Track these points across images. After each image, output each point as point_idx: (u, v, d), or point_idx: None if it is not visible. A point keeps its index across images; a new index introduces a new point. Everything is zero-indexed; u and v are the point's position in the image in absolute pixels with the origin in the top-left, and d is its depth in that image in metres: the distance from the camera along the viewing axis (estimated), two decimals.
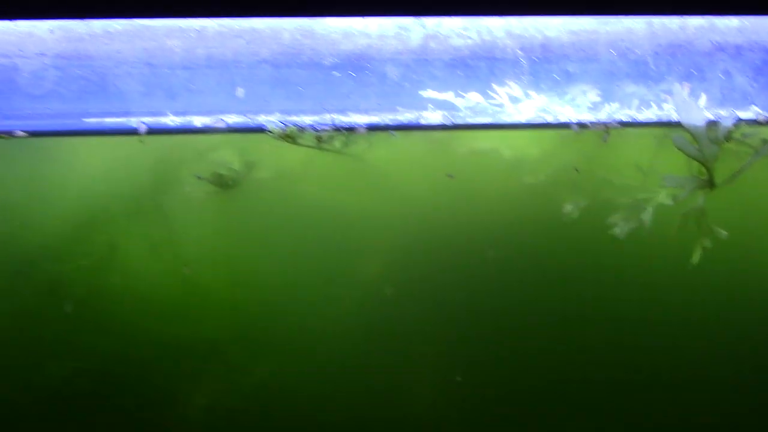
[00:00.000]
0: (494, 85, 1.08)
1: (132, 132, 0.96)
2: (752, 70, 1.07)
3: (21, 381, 1.07)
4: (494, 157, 1.11)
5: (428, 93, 1.06)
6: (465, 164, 1.11)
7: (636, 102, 1.05)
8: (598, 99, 1.10)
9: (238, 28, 0.96)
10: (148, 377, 1.07)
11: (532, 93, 1.08)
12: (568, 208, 1.11)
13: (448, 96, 1.05)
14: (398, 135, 1.02)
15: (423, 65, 1.00)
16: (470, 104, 1.08)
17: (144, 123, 0.95)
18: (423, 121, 1.05)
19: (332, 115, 1.00)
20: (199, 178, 1.00)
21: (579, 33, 1.02)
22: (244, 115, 0.99)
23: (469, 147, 1.11)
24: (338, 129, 0.99)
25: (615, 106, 1.07)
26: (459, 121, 1.06)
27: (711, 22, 1.04)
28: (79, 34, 0.94)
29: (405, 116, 1.02)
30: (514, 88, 1.09)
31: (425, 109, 1.03)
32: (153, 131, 0.97)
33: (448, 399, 1.11)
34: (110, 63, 0.95)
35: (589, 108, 1.09)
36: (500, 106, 1.09)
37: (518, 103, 1.10)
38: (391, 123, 1.02)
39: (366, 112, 1.00)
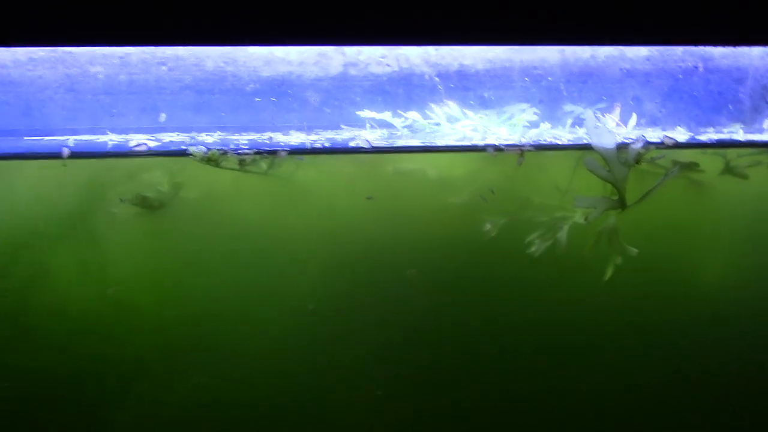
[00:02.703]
0: (432, 105, 1.12)
1: (56, 155, 0.98)
2: (660, 96, 1.12)
3: None
4: (419, 177, 1.15)
5: (365, 113, 1.09)
6: (391, 184, 1.14)
7: (548, 125, 1.10)
8: (535, 117, 1.14)
9: (161, 55, 0.98)
10: (74, 396, 1.08)
11: (468, 112, 1.13)
12: (488, 226, 1.15)
13: (386, 116, 1.09)
14: (306, 159, 1.05)
15: (343, 91, 1.03)
16: (407, 123, 1.11)
17: (66, 147, 0.97)
18: (351, 143, 1.08)
19: (254, 138, 1.03)
20: (122, 200, 1.02)
21: (494, 61, 1.06)
22: (167, 140, 1.01)
23: (395, 167, 1.15)
24: (260, 152, 1.02)
25: (542, 127, 1.12)
26: (385, 143, 1.09)
27: (620, 51, 1.10)
28: (2, 61, 0.96)
29: (325, 137, 1.05)
30: (452, 108, 1.14)
31: (348, 130, 1.06)
32: (77, 155, 0.99)
33: (368, 412, 1.15)
34: (33, 89, 0.97)
35: (525, 127, 1.13)
36: (437, 125, 1.13)
37: (455, 122, 1.14)
38: (314, 145, 1.05)
39: (287, 135, 1.04)
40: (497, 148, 1.08)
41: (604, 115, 1.17)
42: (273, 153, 1.03)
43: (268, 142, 1.04)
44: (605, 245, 1.14)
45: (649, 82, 1.11)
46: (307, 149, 1.05)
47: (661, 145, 1.12)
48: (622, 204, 1.12)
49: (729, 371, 1.25)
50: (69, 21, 0.90)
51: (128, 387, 1.08)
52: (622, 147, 1.09)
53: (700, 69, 1.12)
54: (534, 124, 1.13)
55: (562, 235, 1.14)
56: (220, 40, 0.96)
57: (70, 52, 0.96)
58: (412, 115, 1.10)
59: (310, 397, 1.13)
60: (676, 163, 1.17)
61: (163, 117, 1.00)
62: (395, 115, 1.07)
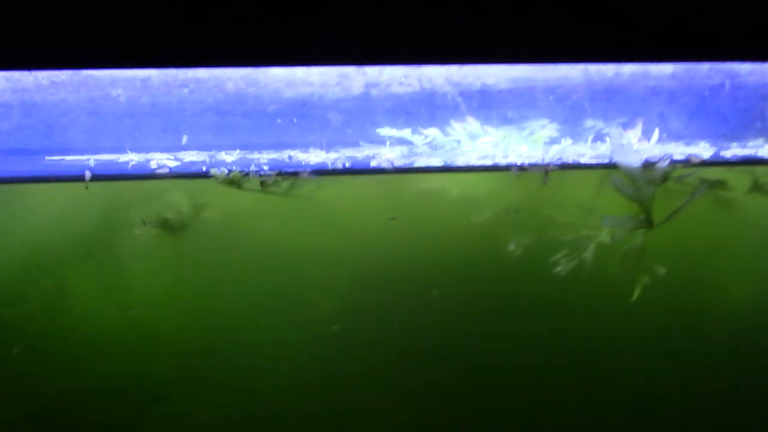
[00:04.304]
0: (452, 121, 1.11)
1: (78, 178, 0.98)
2: (686, 113, 1.10)
3: None
4: (442, 196, 1.14)
5: (385, 130, 1.09)
6: (413, 203, 1.13)
7: (569, 141, 1.08)
8: (556, 134, 1.13)
9: (182, 78, 0.98)
10: (96, 419, 1.07)
11: (489, 129, 1.12)
12: (512, 246, 1.13)
13: (406, 133, 1.08)
14: (320, 179, 1.05)
15: (365, 111, 1.03)
16: (428, 140, 1.11)
17: (89, 170, 0.97)
18: (372, 162, 1.08)
19: (275, 158, 1.03)
20: (144, 223, 1.02)
21: (517, 80, 1.05)
22: (190, 161, 1.01)
23: (417, 186, 1.14)
24: (281, 173, 1.01)
25: (563, 143, 1.10)
26: (410, 162, 1.08)
27: (645, 69, 1.08)
28: (25, 85, 0.96)
29: (349, 155, 1.05)
30: (472, 124, 1.13)
31: (367, 147, 1.06)
32: (100, 177, 0.98)
33: None
34: (56, 112, 0.97)
35: (546, 143, 1.12)
36: (458, 141, 1.12)
37: (476, 139, 1.13)
38: (335, 165, 1.05)
39: (307, 152, 1.03)
40: (521, 168, 1.07)
41: (625, 130, 1.15)
42: (294, 174, 1.02)
43: (288, 160, 1.03)
44: (632, 265, 1.11)
45: (674, 100, 1.09)
46: (329, 170, 1.04)
47: (687, 163, 1.10)
48: (649, 223, 1.09)
49: (759, 392, 1.22)
50: (91, 44, 0.90)
51: (150, 409, 1.07)
52: (648, 165, 1.07)
53: (727, 86, 1.10)
54: (555, 140, 1.11)
55: (588, 254, 1.12)
56: (241, 61, 0.96)
57: (92, 76, 0.96)
58: (432, 132, 1.09)
59: (334, 419, 1.11)
60: (703, 181, 1.14)
61: (185, 139, 1.00)
62: (415, 132, 1.06)
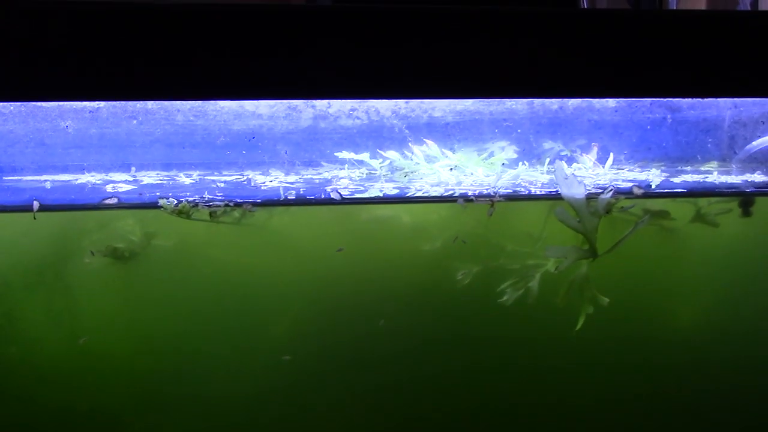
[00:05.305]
0: (410, 144, 1.13)
1: (26, 209, 0.99)
2: (629, 147, 1.14)
3: None
4: (394, 224, 1.16)
5: (344, 154, 1.11)
6: (365, 231, 1.15)
7: (526, 165, 1.11)
8: (514, 156, 1.16)
9: (131, 109, 0.99)
10: None
11: (447, 152, 1.14)
12: (461, 275, 1.16)
13: (364, 156, 1.10)
14: (257, 210, 1.06)
15: (314, 143, 1.04)
16: (385, 163, 1.12)
17: (37, 200, 0.98)
18: (327, 188, 1.09)
19: (225, 182, 1.04)
20: (93, 253, 1.02)
21: (463, 113, 1.07)
22: (138, 185, 1.02)
23: (369, 214, 1.16)
24: (229, 204, 1.02)
25: (520, 167, 1.13)
26: (367, 187, 1.10)
27: (588, 102, 1.11)
28: None
29: (308, 178, 1.06)
30: (431, 148, 1.15)
31: (327, 169, 1.08)
32: (48, 207, 0.99)
33: None
34: (3, 143, 0.98)
35: (504, 166, 1.14)
36: (416, 164, 1.14)
37: (434, 162, 1.15)
38: (287, 196, 1.06)
39: (266, 175, 1.05)
40: (467, 199, 1.09)
41: (582, 155, 1.18)
42: (240, 205, 1.03)
43: (245, 182, 1.04)
44: (577, 294, 1.14)
45: (617, 133, 1.12)
46: (280, 201, 1.05)
47: (630, 195, 1.13)
48: (593, 253, 1.12)
49: (701, 418, 1.25)
50: (38, 76, 0.91)
51: None
52: (592, 197, 1.10)
53: (669, 120, 1.14)
54: (513, 163, 1.14)
55: (534, 284, 1.14)
56: (190, 93, 0.97)
57: (39, 107, 0.97)
58: (391, 155, 1.12)
59: None
60: (647, 211, 1.18)
61: (133, 170, 1.01)
62: (374, 156, 1.08)
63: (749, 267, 1.24)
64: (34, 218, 0.99)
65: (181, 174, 1.04)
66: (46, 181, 1.01)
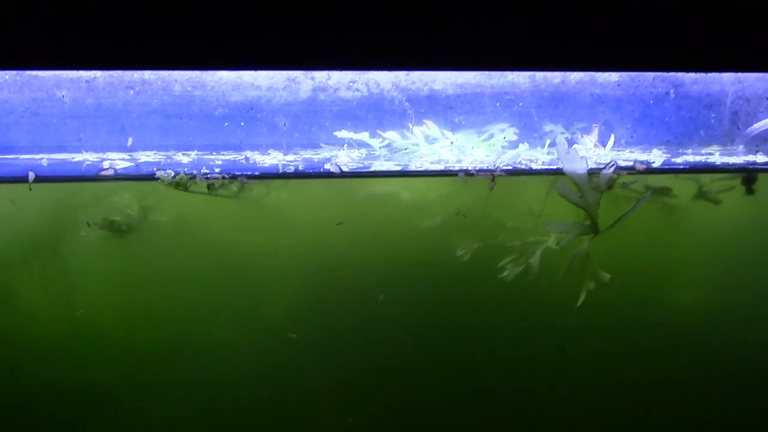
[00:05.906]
0: (410, 125, 1.12)
1: (22, 179, 0.97)
2: (631, 121, 1.12)
3: None
4: (393, 200, 1.15)
5: (343, 133, 1.09)
6: (363, 207, 1.14)
7: (526, 146, 1.10)
8: (515, 137, 1.14)
9: (128, 79, 0.98)
10: (41, 421, 1.07)
11: (447, 133, 1.12)
12: (460, 251, 1.15)
13: (364, 136, 1.09)
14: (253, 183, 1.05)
15: (312, 116, 1.03)
16: (385, 143, 1.11)
17: (32, 171, 0.97)
18: (326, 165, 1.08)
19: (231, 159, 1.03)
20: (89, 225, 1.01)
21: (465, 86, 1.06)
22: (135, 163, 1.01)
23: (368, 190, 1.14)
24: (227, 177, 1.01)
25: (520, 148, 1.12)
26: (366, 165, 1.09)
27: (591, 76, 1.10)
28: None
29: (307, 158, 1.05)
30: (431, 128, 1.14)
31: (327, 149, 1.06)
32: (44, 178, 0.98)
33: None
34: None
35: (504, 148, 1.13)
36: (416, 144, 1.13)
37: (434, 142, 1.14)
38: (286, 169, 1.05)
39: (265, 155, 1.04)
40: (468, 173, 1.08)
41: (582, 136, 1.17)
42: (236, 177, 1.02)
43: (245, 162, 1.03)
44: (578, 270, 1.13)
45: (620, 108, 1.11)
46: (278, 174, 1.04)
47: (632, 170, 1.12)
48: (594, 229, 1.11)
49: (704, 395, 1.24)
50: (34, 44, 0.90)
51: (96, 411, 1.07)
52: (593, 172, 1.09)
53: (671, 95, 1.13)
54: (513, 145, 1.12)
55: (535, 260, 1.13)
56: (188, 63, 0.96)
57: (35, 76, 0.96)
58: (391, 135, 1.10)
59: (285, 419, 1.12)
60: (648, 188, 1.17)
61: (130, 141, 1.00)
62: (373, 135, 1.07)
63: (753, 245, 1.23)
64: (30, 189, 0.98)
65: (179, 154, 1.03)
66: (42, 150, 0.99)
